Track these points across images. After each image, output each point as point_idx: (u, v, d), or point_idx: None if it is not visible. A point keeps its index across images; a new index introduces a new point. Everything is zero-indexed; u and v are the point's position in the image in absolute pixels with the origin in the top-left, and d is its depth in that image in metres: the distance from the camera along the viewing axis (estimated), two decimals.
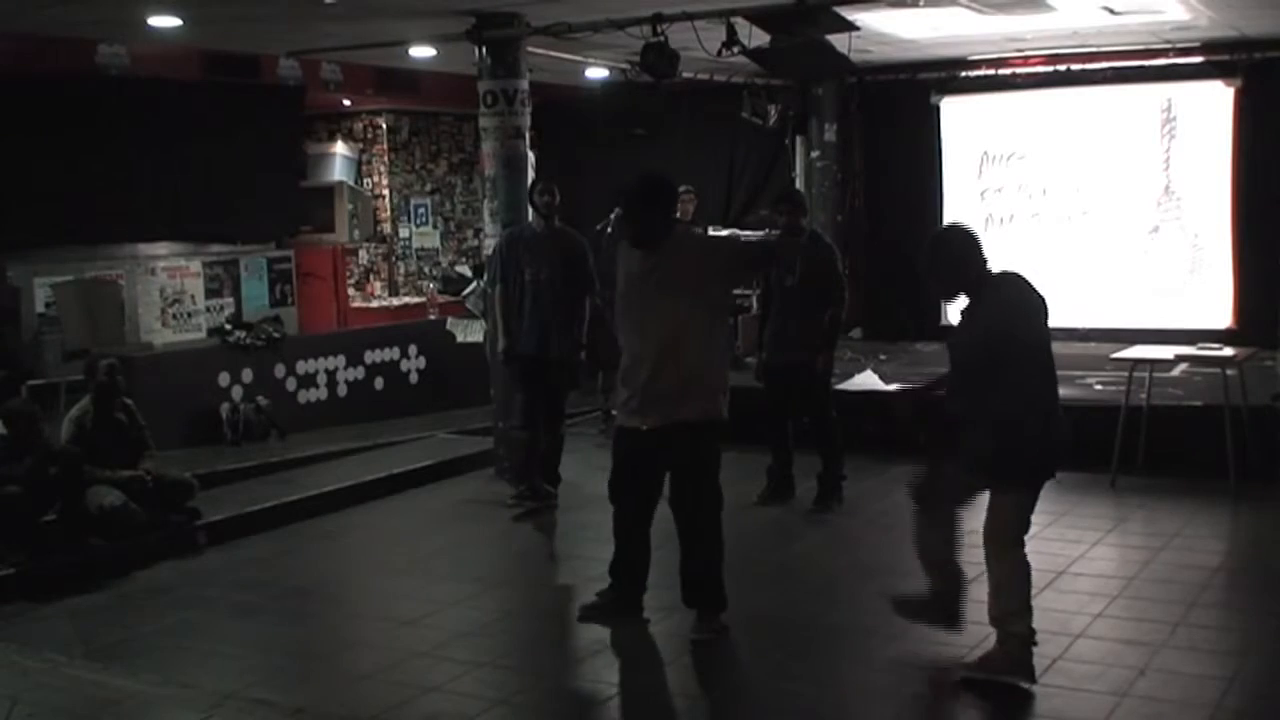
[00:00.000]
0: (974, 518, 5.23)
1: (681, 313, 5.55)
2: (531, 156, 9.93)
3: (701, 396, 5.65)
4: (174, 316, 12.30)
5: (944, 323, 13.34)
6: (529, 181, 9.79)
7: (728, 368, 5.89)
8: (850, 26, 9.02)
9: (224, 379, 10.52)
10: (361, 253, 14.71)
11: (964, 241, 5.07)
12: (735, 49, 8.87)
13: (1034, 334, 5.02)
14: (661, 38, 9.06)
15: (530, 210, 8.68)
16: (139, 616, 6.44)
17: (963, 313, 5.11)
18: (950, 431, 5.06)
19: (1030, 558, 6.67)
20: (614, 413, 11.05)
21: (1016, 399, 4.90)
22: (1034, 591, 5.93)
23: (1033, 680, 5.08)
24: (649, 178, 5.71)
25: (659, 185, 5.71)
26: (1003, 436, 4.91)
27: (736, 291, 11.86)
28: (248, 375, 10.65)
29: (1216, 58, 11.83)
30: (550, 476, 8.49)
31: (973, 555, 7.06)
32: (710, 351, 5.69)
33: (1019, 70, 12.74)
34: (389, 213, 14.67)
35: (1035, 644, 5.10)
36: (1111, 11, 9.91)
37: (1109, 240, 12.27)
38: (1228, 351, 8.61)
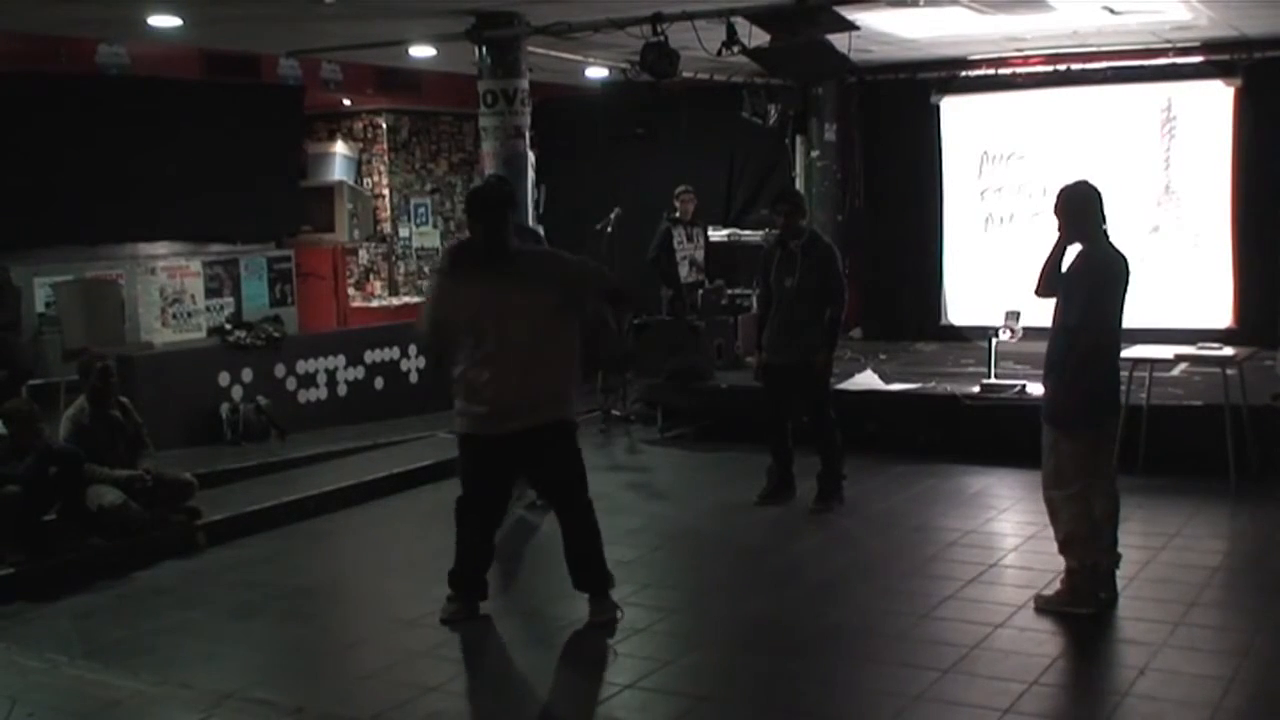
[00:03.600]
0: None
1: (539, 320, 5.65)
2: (531, 156, 9.94)
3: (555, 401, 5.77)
4: (174, 316, 12.30)
5: (944, 322, 13.40)
6: (529, 181, 9.80)
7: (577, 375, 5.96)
8: (850, 26, 9.03)
9: (224, 379, 10.52)
10: (361, 252, 14.72)
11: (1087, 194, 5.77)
12: (735, 49, 8.88)
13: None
14: (661, 37, 9.06)
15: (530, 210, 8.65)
16: (139, 616, 6.43)
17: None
18: None
19: (1030, 557, 6.71)
20: (614, 412, 11.17)
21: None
22: (1032, 591, 6.00)
23: (1089, 608, 5.76)
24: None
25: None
26: None
27: (736, 291, 11.93)
28: (248, 375, 10.65)
29: (1216, 57, 11.83)
30: None
31: (974, 556, 7.06)
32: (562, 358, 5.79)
33: (1019, 70, 12.74)
34: (389, 212, 14.68)
35: (1106, 570, 5.90)
36: (1111, 11, 9.91)
37: None
38: (1228, 351, 8.60)
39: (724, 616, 6.21)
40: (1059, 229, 5.84)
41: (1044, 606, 5.90)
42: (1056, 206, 5.85)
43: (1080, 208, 5.79)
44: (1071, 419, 5.77)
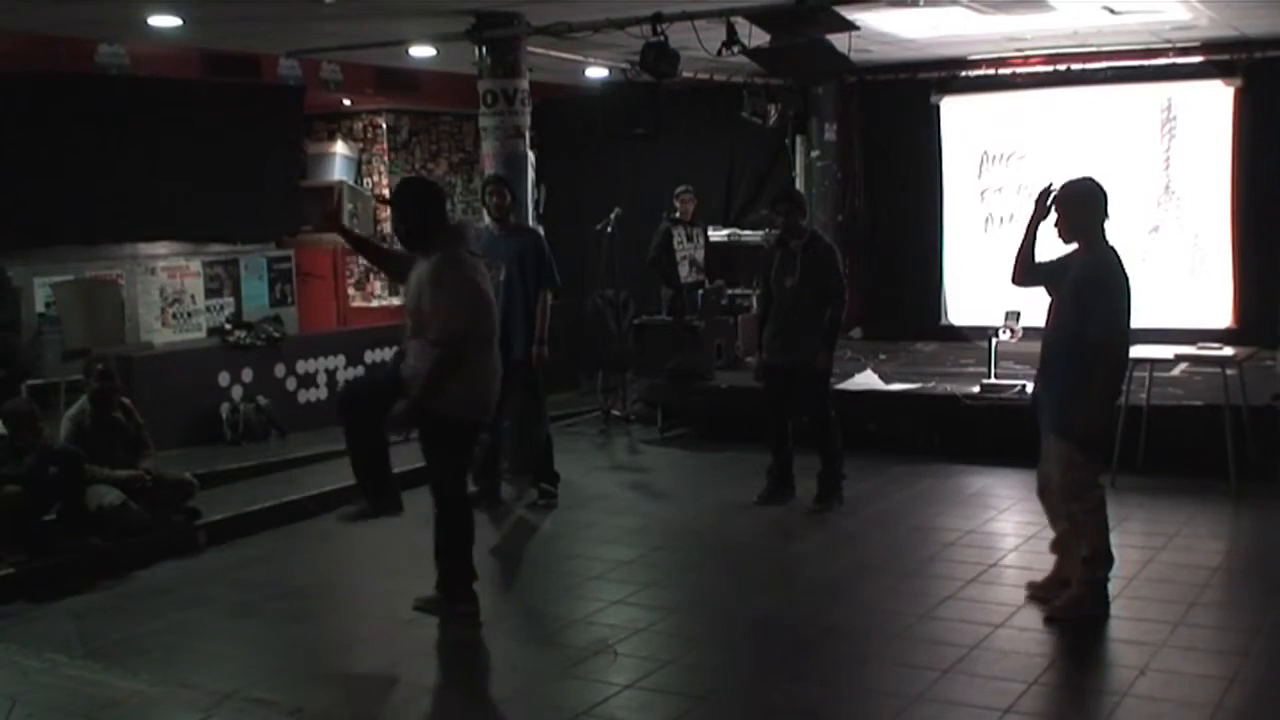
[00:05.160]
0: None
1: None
2: (531, 156, 9.93)
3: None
4: (174, 316, 12.30)
5: (944, 322, 13.39)
6: (529, 181, 9.79)
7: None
8: (850, 26, 9.02)
9: (224, 379, 10.51)
10: None
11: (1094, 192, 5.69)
12: (735, 49, 8.87)
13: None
14: (661, 38, 9.06)
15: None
16: (139, 616, 6.44)
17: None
18: None
19: (1031, 558, 6.70)
20: (614, 412, 11.17)
21: None
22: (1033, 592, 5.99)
23: (1101, 610, 5.81)
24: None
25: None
26: None
27: (736, 291, 11.93)
28: (248, 375, 10.64)
29: (1216, 57, 11.83)
30: (547, 475, 8.49)
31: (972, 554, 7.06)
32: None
33: (1019, 70, 12.74)
34: (389, 212, 14.67)
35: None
36: (1111, 11, 9.91)
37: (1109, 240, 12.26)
38: (1228, 351, 8.60)
39: (724, 616, 6.22)
40: (1035, 216, 5.73)
41: (1061, 615, 5.80)
42: (1058, 201, 5.71)
43: (1090, 207, 5.69)
44: (1096, 432, 5.67)
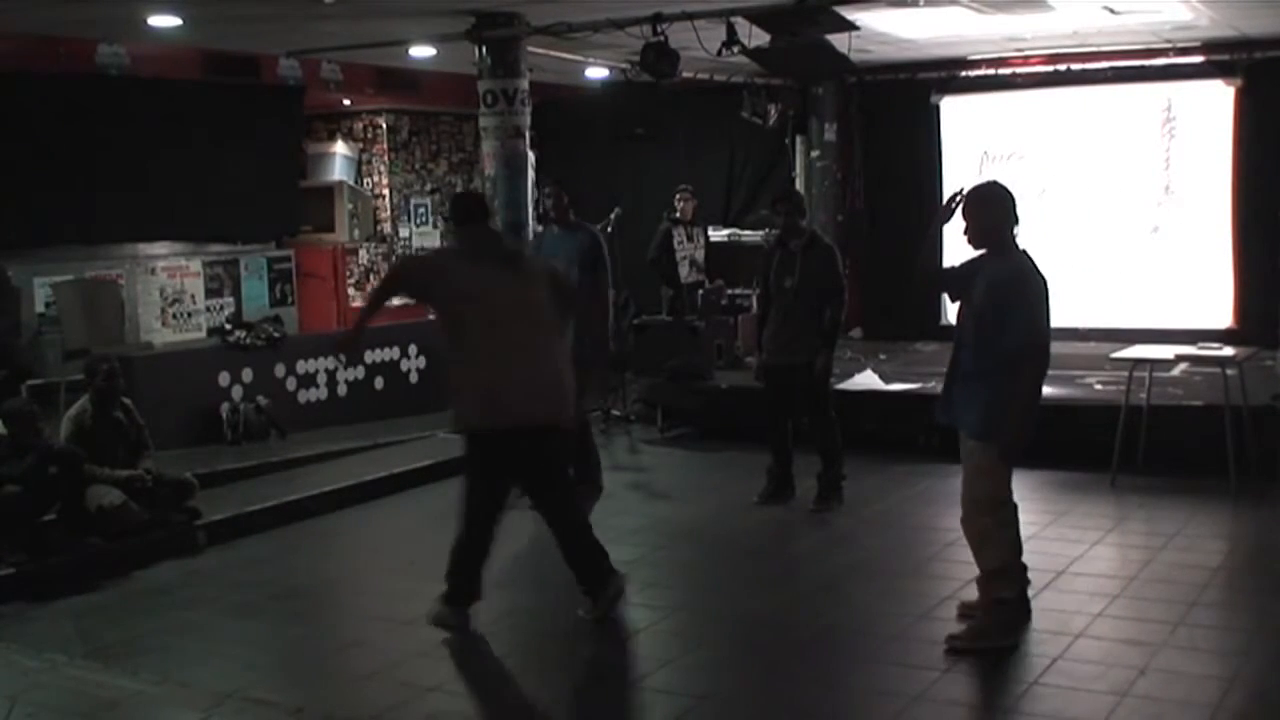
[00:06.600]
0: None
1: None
2: (531, 156, 9.94)
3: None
4: (174, 316, 12.32)
5: (944, 322, 13.38)
6: (529, 181, 9.82)
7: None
8: (850, 26, 9.03)
9: (224, 379, 10.51)
10: (361, 252, 14.73)
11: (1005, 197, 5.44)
12: (735, 49, 8.88)
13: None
14: (661, 38, 9.07)
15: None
16: (139, 616, 6.44)
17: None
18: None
19: (1030, 557, 6.67)
20: (614, 412, 11.17)
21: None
22: (1034, 592, 5.96)
23: (1014, 640, 5.46)
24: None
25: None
26: None
27: (736, 291, 11.93)
28: (248, 375, 10.64)
29: (1216, 57, 11.84)
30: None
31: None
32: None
33: (1019, 70, 12.75)
34: (389, 212, 14.68)
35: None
36: (1111, 11, 9.92)
37: (1109, 240, 12.27)
38: (1228, 351, 8.59)
39: (724, 616, 6.21)
40: (938, 220, 5.55)
41: (963, 646, 5.41)
42: (965, 205, 5.46)
43: (997, 210, 5.43)
44: (1022, 441, 5.37)
